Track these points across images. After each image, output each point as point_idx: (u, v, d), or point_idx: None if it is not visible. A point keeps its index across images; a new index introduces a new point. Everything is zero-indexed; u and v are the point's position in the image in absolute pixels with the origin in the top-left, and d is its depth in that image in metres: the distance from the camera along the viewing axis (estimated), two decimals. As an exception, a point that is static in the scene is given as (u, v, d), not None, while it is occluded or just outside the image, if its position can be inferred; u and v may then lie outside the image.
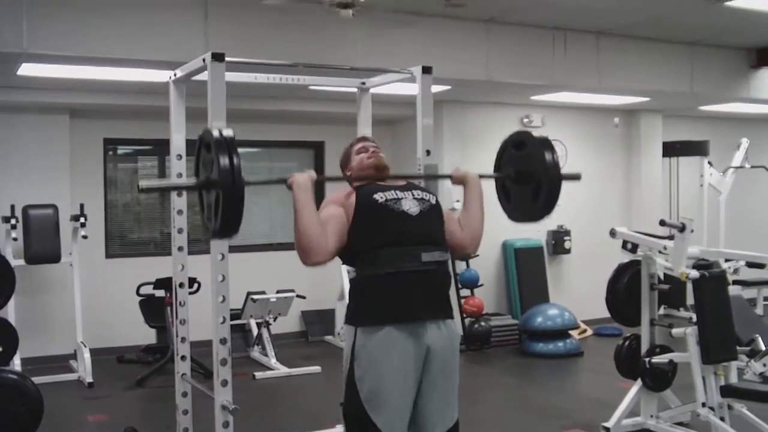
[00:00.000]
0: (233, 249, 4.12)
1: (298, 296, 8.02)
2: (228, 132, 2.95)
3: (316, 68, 5.09)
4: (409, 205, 3.22)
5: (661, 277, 5.45)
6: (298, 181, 3.16)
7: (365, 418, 3.09)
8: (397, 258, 3.11)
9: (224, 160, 2.88)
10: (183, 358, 4.66)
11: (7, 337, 5.79)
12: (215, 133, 2.95)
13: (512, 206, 3.75)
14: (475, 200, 3.53)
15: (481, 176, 3.60)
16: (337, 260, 8.14)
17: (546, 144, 3.56)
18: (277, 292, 7.93)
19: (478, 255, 3.61)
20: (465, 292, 8.45)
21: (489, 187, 3.60)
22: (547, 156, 3.51)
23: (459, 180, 3.59)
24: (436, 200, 3.35)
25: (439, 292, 3.25)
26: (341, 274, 8.03)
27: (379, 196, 3.21)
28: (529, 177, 3.58)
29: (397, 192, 3.26)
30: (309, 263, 3.12)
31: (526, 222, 3.79)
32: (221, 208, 2.92)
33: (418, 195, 3.30)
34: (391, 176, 3.40)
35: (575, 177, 3.71)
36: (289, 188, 3.18)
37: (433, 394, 3.17)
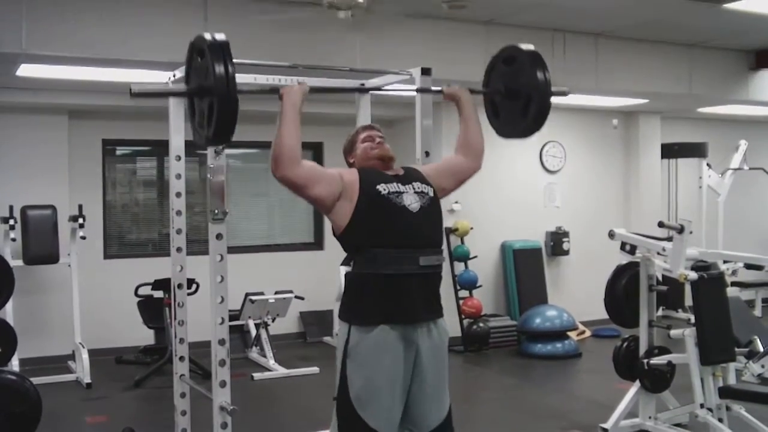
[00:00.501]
0: (232, 250, 4.12)
1: (296, 297, 8.02)
2: (221, 37, 2.93)
3: (316, 69, 5.08)
4: (411, 200, 3.20)
5: (659, 278, 5.45)
6: (289, 94, 3.15)
7: (354, 414, 3.12)
8: (396, 260, 3.11)
9: (219, 67, 2.86)
10: (181, 358, 4.65)
11: (5, 338, 5.78)
12: (209, 38, 2.92)
13: (501, 122, 3.80)
14: (471, 115, 3.65)
15: (472, 91, 3.70)
16: (335, 262, 8.11)
17: (536, 58, 3.60)
18: (276, 293, 7.94)
19: (479, 169, 3.64)
20: (463, 293, 8.46)
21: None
22: (538, 71, 3.56)
23: (451, 96, 3.70)
24: (434, 192, 3.34)
25: (433, 295, 3.28)
26: (339, 276, 8.04)
27: (382, 188, 3.18)
28: (518, 92, 3.63)
29: (399, 185, 3.24)
30: (277, 174, 3.11)
31: (515, 137, 3.83)
32: (215, 116, 2.90)
33: (419, 188, 3.28)
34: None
35: (563, 93, 3.82)
36: (279, 99, 3.16)
37: (424, 392, 3.20)
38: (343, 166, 3.52)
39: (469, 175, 3.63)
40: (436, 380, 3.24)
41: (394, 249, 3.12)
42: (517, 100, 3.64)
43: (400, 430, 3.22)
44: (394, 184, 3.23)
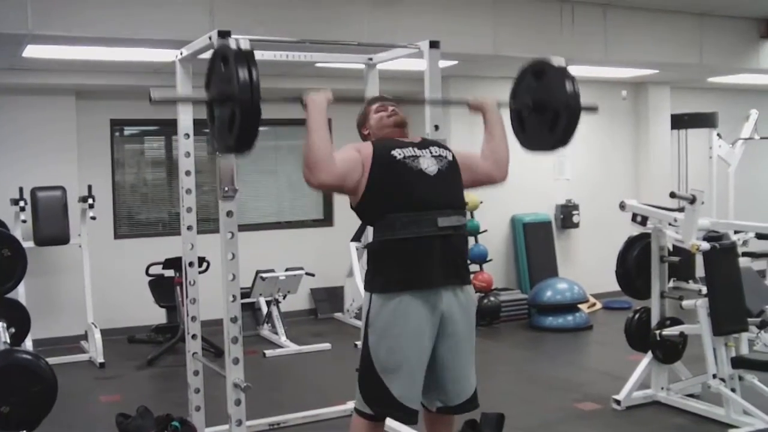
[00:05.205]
0: (241, 228, 4.12)
1: (307, 274, 8.03)
2: (247, 45, 2.93)
3: (323, 45, 5.06)
4: (428, 163, 3.16)
5: (670, 249, 5.44)
6: (314, 100, 3.14)
7: (380, 385, 3.10)
8: (414, 223, 3.06)
9: (244, 75, 2.85)
10: (194, 336, 4.67)
11: (19, 318, 5.83)
12: (234, 46, 2.92)
13: (527, 136, 3.74)
14: (496, 126, 3.53)
15: (498, 104, 3.61)
16: (345, 238, 8.10)
17: (566, 74, 3.53)
18: (286, 270, 7.94)
19: (504, 180, 3.57)
20: (474, 267, 8.45)
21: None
22: (568, 86, 3.49)
23: (476, 107, 3.59)
24: (453, 156, 3.29)
25: (456, 258, 3.21)
26: (350, 252, 8.05)
27: (398, 152, 3.15)
28: (547, 107, 3.56)
29: (415, 149, 3.20)
30: (313, 181, 3.07)
31: (540, 151, 3.78)
32: (238, 124, 2.88)
33: (436, 152, 3.24)
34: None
35: (593, 108, 3.70)
36: (303, 107, 3.15)
37: (451, 361, 3.18)
38: (356, 140, 3.50)
39: (489, 183, 3.54)
40: (464, 348, 3.22)
41: (411, 212, 3.08)
42: (544, 115, 3.58)
43: (429, 400, 3.22)
44: (410, 148, 3.19)
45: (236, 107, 2.87)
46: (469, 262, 8.27)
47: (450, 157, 3.27)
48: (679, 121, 9.81)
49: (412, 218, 3.07)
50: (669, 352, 5.35)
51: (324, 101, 3.15)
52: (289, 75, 7.87)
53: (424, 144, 3.28)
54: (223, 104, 3.01)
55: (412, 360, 3.09)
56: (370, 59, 4.98)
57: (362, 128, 3.51)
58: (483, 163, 3.48)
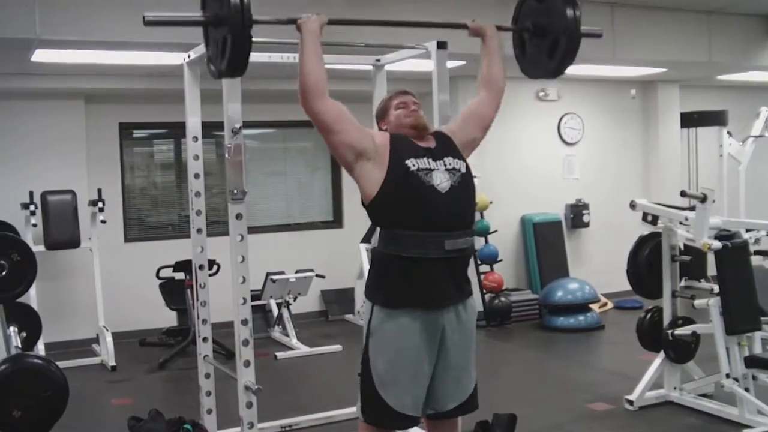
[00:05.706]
0: (251, 230, 4.11)
1: (317, 276, 8.03)
2: None
3: (330, 46, 5.04)
4: (440, 178, 3.06)
5: (682, 248, 5.41)
6: (308, 25, 3.11)
7: (376, 395, 3.10)
8: (420, 244, 3.00)
9: None
10: (205, 339, 4.67)
11: (30, 323, 5.85)
12: None
13: (527, 61, 3.71)
14: (495, 52, 3.54)
15: (499, 28, 3.59)
16: (355, 239, 8.06)
17: None
18: (297, 272, 7.95)
19: (499, 108, 3.55)
20: (484, 267, 8.44)
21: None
22: (568, 11, 3.41)
23: (476, 31, 3.59)
24: (467, 166, 3.21)
25: (459, 277, 3.16)
26: (359, 253, 8.04)
27: (412, 163, 3.04)
28: (547, 31, 3.50)
29: (430, 160, 3.09)
30: (305, 106, 3.10)
31: (540, 77, 3.73)
32: (228, 48, 2.86)
33: (450, 164, 3.13)
34: None
35: (596, 34, 3.62)
36: (297, 30, 3.13)
37: (447, 374, 3.16)
38: None
39: (492, 118, 3.50)
40: (462, 362, 3.19)
41: (418, 231, 3.00)
42: (544, 39, 3.52)
43: (422, 409, 3.19)
44: (425, 159, 3.09)
45: (227, 30, 2.84)
46: (479, 262, 8.34)
47: (463, 169, 3.17)
48: (689, 120, 9.75)
49: (419, 238, 3.00)
50: (681, 351, 5.32)
51: (317, 25, 3.11)
52: (295, 77, 7.87)
53: (439, 153, 3.16)
54: (216, 27, 2.97)
55: (410, 374, 3.06)
56: (378, 60, 4.98)
57: (381, 122, 3.40)
58: (483, 99, 3.47)
